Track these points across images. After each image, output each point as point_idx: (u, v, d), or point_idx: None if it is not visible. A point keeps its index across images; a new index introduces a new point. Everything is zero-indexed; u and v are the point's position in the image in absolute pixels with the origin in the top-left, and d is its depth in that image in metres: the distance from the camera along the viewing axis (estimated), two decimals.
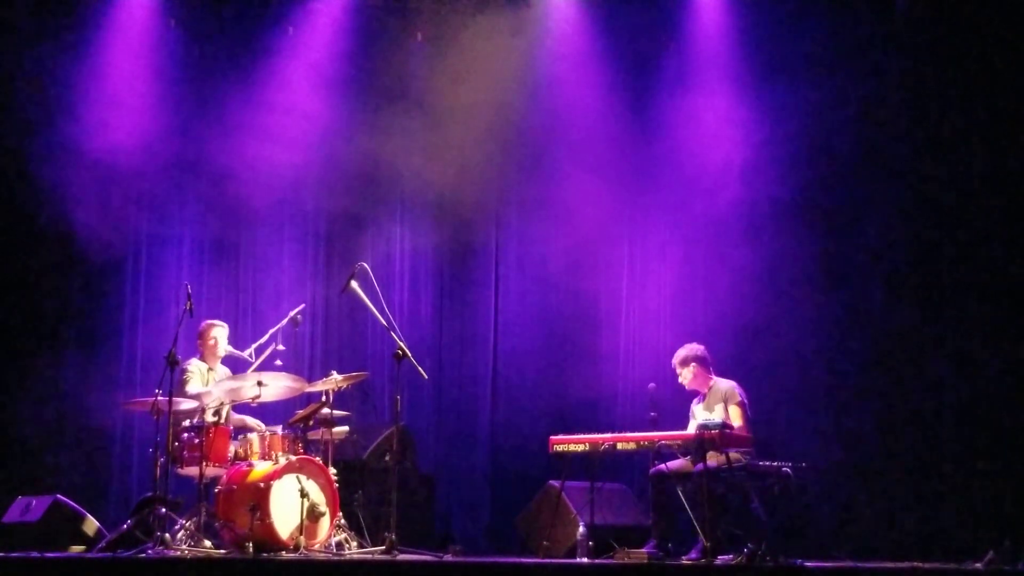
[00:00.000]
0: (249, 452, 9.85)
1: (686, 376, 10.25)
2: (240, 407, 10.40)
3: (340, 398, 10.20)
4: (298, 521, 9.34)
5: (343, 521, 9.82)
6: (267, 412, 10.90)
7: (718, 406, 10.02)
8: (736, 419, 9.85)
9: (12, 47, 12.05)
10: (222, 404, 10.05)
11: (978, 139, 11.81)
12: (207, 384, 10.32)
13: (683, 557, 9.62)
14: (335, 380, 9.99)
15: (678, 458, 9.92)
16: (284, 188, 12.61)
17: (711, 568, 8.96)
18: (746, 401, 10.02)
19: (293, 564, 8.75)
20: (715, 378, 10.20)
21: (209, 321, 10.75)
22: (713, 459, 9.58)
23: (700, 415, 10.11)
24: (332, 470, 9.77)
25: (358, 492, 10.41)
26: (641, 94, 12.74)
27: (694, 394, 10.35)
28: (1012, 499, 11.07)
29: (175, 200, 12.70)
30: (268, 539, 9.28)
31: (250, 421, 10.46)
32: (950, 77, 11.92)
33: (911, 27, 12.06)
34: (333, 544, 9.58)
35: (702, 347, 10.31)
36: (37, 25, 12.10)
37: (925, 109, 12.00)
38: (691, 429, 10.05)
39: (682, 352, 10.29)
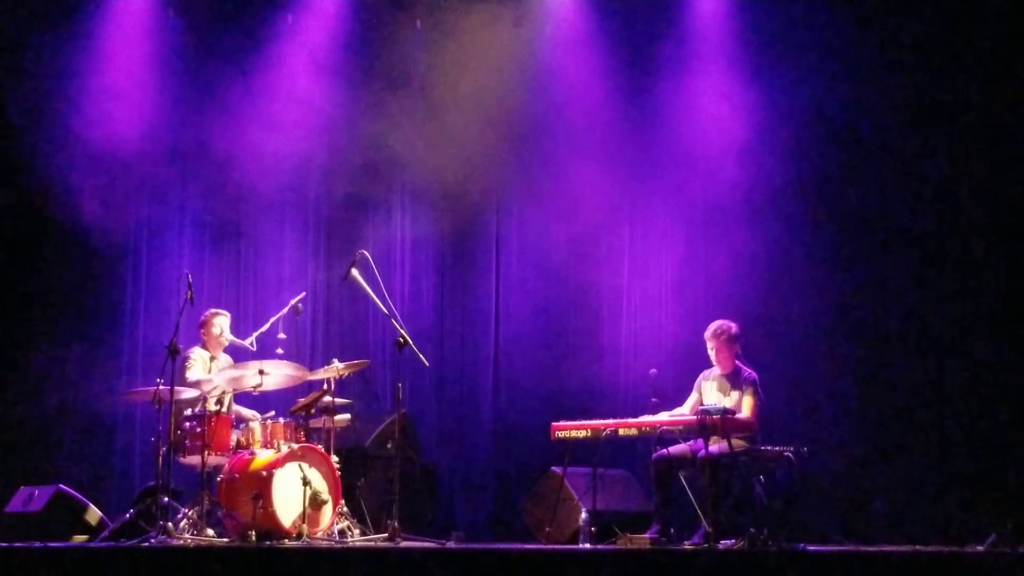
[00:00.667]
0: (251, 440, 9.86)
1: (722, 351, 10.08)
2: (239, 397, 10.39)
3: (342, 386, 10.23)
4: (300, 509, 9.36)
5: (345, 509, 9.84)
6: (269, 401, 10.90)
7: (735, 392, 9.98)
8: (747, 410, 9.82)
9: (12, 37, 12.03)
10: (224, 393, 10.05)
11: (984, 121, 11.76)
12: (209, 373, 10.34)
13: (686, 542, 9.63)
14: (336, 368, 10.00)
15: (680, 443, 9.92)
16: (285, 176, 12.61)
17: (713, 553, 8.96)
18: (762, 396, 9.97)
19: (296, 552, 8.75)
20: (741, 365, 10.16)
21: (212, 310, 10.77)
22: (715, 444, 9.58)
23: (710, 394, 10.06)
24: (334, 458, 9.78)
25: (360, 480, 10.44)
26: (641, 80, 12.71)
27: (693, 374, 10.32)
28: (1014, 482, 11.06)
29: (176, 189, 12.71)
30: (271, 527, 9.30)
31: (245, 412, 10.45)
32: (952, 57, 11.89)
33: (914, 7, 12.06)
34: (336, 532, 9.60)
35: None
36: (36, 15, 12.08)
37: (927, 91, 11.96)
38: (691, 401, 10.09)
39: (732, 328, 10.10)
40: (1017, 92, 11.64)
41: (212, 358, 10.60)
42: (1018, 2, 11.68)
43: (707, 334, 10.17)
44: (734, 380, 10.04)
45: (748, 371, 10.06)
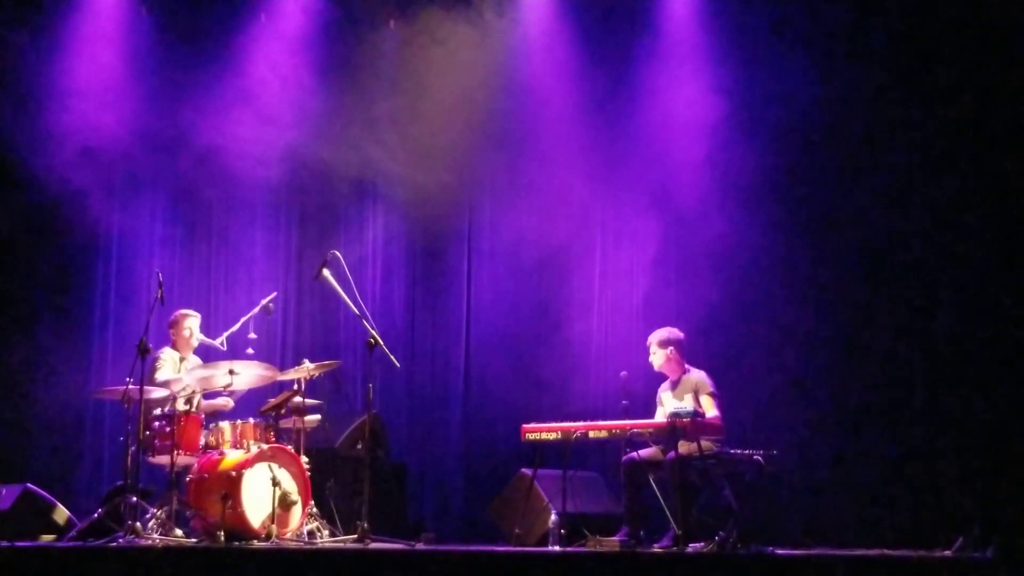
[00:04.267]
0: (220, 440, 9.83)
1: (660, 358, 10.17)
2: (211, 394, 10.37)
3: (312, 386, 10.19)
4: (270, 510, 9.33)
5: (315, 510, 9.82)
6: (239, 401, 10.87)
7: (688, 396, 10.00)
8: (710, 409, 9.86)
9: None
10: (193, 393, 10.02)
11: (959, 114, 11.79)
12: (179, 373, 10.30)
13: (654, 545, 9.65)
14: (307, 368, 9.98)
15: (650, 446, 9.94)
16: (257, 176, 12.55)
17: (682, 556, 8.99)
18: (717, 391, 10.02)
19: (264, 553, 8.74)
20: (688, 367, 10.20)
21: (182, 311, 10.73)
22: (684, 447, 9.60)
23: (669, 402, 10.11)
24: (304, 459, 9.77)
25: (330, 481, 10.40)
26: (614, 81, 12.72)
27: (663, 379, 10.35)
28: (981, 486, 11.11)
29: (147, 187, 12.67)
30: (239, 528, 9.27)
31: (219, 402, 10.40)
32: (926, 51, 11.92)
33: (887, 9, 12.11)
34: (305, 533, 9.58)
35: (682, 333, 10.29)
36: (5, 10, 12.02)
37: (905, 86, 11.99)
38: (659, 416, 10.09)
39: (662, 333, 10.21)
40: (994, 82, 11.67)
41: (182, 358, 10.57)
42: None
43: (648, 342, 10.25)
44: (685, 383, 10.08)
45: (695, 370, 10.11)
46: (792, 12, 12.27)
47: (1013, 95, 11.59)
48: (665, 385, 10.30)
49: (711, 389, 10.00)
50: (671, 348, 10.18)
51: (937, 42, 11.89)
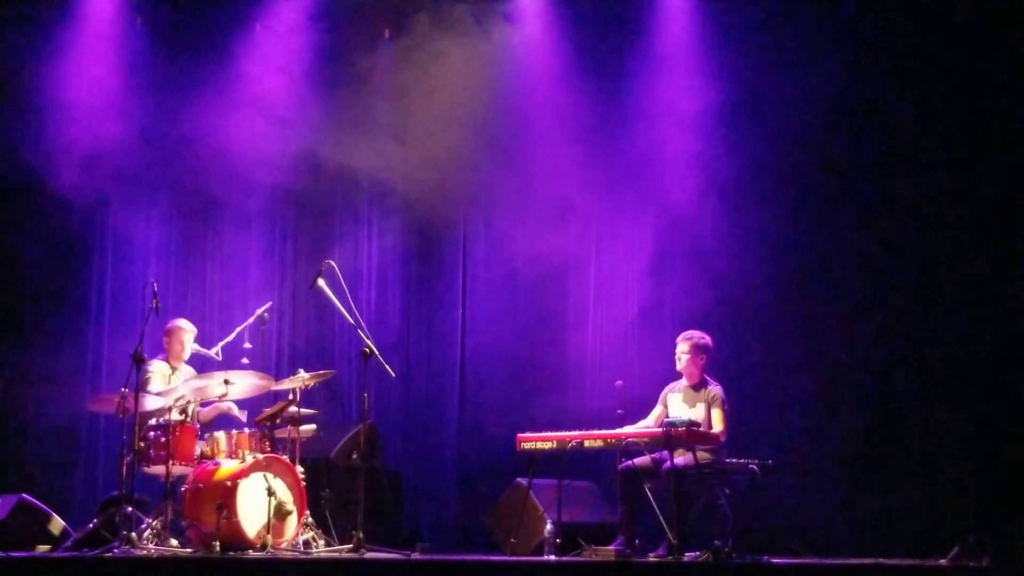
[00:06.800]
0: (216, 450, 9.82)
1: (690, 361, 10.12)
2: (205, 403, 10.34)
3: (307, 396, 10.20)
4: (265, 520, 9.32)
5: (310, 519, 9.81)
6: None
7: (701, 405, 10.00)
8: (718, 423, 9.87)
9: None
10: (188, 402, 10.01)
11: (955, 119, 11.82)
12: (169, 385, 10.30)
13: (650, 554, 9.65)
14: (302, 378, 9.99)
15: (645, 455, 9.93)
16: (252, 185, 12.56)
17: (678, 565, 8.98)
18: (728, 409, 10.02)
19: (260, 563, 8.73)
20: (707, 377, 10.19)
21: (176, 323, 10.69)
22: (680, 456, 9.60)
23: (675, 407, 10.09)
24: (299, 468, 9.76)
25: (325, 490, 10.39)
26: (609, 91, 12.72)
27: (660, 387, 10.35)
28: (977, 495, 11.12)
29: (142, 197, 12.66)
30: (235, 538, 9.26)
31: (224, 407, 10.36)
32: (920, 58, 11.95)
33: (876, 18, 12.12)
34: (300, 543, 9.57)
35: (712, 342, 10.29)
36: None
37: (896, 88, 12.00)
38: (655, 414, 10.15)
39: (699, 340, 10.14)
40: (994, 81, 11.69)
41: (173, 368, 10.56)
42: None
43: (679, 338, 10.21)
44: (700, 392, 10.08)
45: (714, 384, 10.10)
46: (785, 14, 12.26)
47: (1013, 93, 11.61)
48: (675, 386, 10.27)
49: (725, 406, 9.98)
50: (704, 357, 10.15)
51: (934, 41, 11.88)
